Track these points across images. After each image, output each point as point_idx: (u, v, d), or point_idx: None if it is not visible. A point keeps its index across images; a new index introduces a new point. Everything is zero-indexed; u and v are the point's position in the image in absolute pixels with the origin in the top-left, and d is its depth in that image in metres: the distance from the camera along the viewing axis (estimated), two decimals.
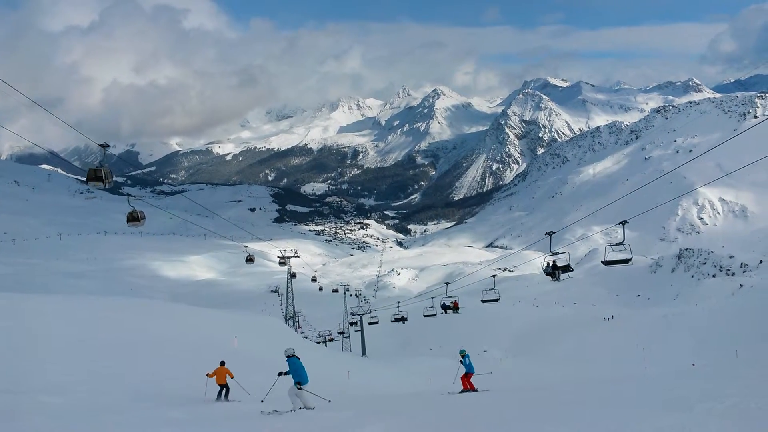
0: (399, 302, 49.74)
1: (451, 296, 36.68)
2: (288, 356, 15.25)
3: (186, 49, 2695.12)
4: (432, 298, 40.81)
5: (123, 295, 74.54)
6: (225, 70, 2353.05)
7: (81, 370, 18.63)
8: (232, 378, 17.57)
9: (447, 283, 36.59)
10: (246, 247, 37.19)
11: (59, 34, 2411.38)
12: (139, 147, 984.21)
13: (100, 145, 17.43)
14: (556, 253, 24.55)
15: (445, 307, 38.68)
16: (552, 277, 25.41)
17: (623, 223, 21.34)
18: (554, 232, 23.29)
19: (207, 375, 17.64)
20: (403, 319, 45.48)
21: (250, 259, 32.63)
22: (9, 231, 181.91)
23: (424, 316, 41.38)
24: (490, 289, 31.83)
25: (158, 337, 28.83)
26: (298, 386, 14.78)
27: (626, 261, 22.01)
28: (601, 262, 24.66)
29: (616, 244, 22.06)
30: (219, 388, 17.44)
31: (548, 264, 25.07)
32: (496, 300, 32.47)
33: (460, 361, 20.90)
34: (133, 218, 22.09)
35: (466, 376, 20.71)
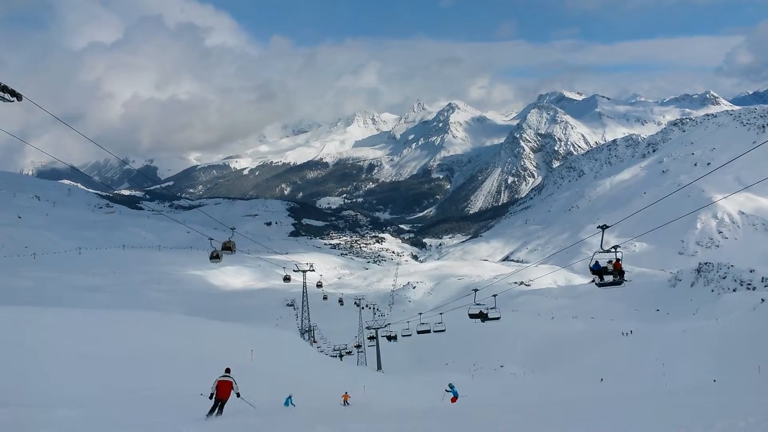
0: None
1: (610, 250, 21.08)
2: None
3: (207, 66, 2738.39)
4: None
5: (141, 309, 74.98)
6: (244, 85, 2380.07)
7: (95, 384, 18.70)
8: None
9: (603, 227, 20.91)
10: (211, 240, 29.50)
11: (83, 51, 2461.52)
12: (158, 162, 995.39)
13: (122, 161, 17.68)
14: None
15: (601, 272, 22.53)
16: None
17: (478, 304, 31.60)
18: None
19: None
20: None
21: (215, 257, 27.05)
22: (30, 245, 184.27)
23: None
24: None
25: (174, 350, 28.90)
26: None
27: (497, 318, 33.76)
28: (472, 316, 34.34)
29: (492, 308, 32.39)
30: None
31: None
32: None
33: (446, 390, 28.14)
34: (226, 247, 26.25)
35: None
